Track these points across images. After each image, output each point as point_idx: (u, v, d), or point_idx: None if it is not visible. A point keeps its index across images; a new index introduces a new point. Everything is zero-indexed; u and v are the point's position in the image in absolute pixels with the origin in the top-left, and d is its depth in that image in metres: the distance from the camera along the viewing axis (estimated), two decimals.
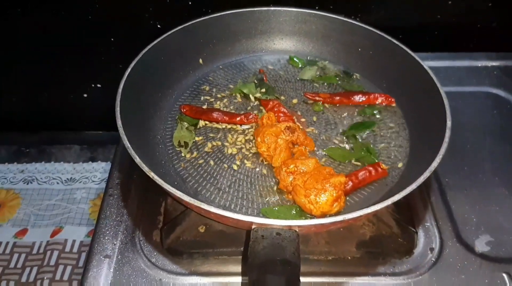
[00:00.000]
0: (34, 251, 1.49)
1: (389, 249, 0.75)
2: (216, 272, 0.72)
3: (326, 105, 0.93)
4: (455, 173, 0.87)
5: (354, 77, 1.00)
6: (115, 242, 0.76)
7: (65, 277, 1.42)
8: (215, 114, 0.89)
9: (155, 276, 0.72)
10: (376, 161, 0.81)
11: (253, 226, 0.60)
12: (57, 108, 1.68)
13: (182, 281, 0.71)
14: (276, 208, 0.73)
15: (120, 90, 0.79)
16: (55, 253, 1.47)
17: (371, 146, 0.84)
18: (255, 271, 0.54)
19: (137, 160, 0.67)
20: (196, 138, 0.86)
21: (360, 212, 0.60)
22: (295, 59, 1.03)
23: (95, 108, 1.49)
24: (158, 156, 0.82)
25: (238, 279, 0.72)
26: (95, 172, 1.75)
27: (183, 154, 0.83)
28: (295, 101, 0.94)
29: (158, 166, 0.79)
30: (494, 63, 1.12)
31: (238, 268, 0.73)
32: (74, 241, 1.51)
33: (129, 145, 0.68)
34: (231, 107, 0.93)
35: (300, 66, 1.02)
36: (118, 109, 0.75)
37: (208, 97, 0.95)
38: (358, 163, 0.81)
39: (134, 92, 0.82)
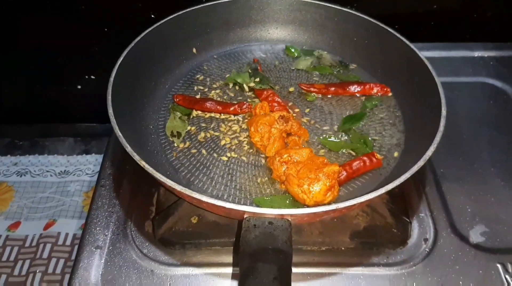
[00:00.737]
0: (27, 244, 1.48)
1: (383, 240, 0.74)
2: (209, 262, 0.71)
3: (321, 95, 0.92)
4: (451, 163, 0.86)
5: (350, 67, 0.99)
6: (107, 233, 0.75)
7: (58, 270, 1.41)
8: (208, 104, 0.88)
9: (146, 267, 0.71)
10: (371, 151, 0.80)
11: (245, 216, 0.59)
12: (51, 100, 1.66)
13: (174, 272, 0.70)
14: (269, 198, 0.72)
15: (111, 79, 0.77)
16: (48, 246, 1.46)
17: (369, 138, 0.83)
18: (246, 259, 0.53)
19: (128, 149, 0.66)
20: (189, 128, 0.85)
21: (353, 200, 0.59)
22: (291, 48, 1.02)
23: (89, 100, 1.47)
24: (151, 146, 0.81)
25: (231, 269, 0.71)
26: (89, 165, 1.73)
27: (175, 144, 0.82)
28: (291, 89, 0.93)
29: (150, 156, 0.79)
30: (491, 54, 1.11)
31: (230, 259, 0.72)
32: (67, 234, 1.50)
33: (120, 134, 0.67)
34: (225, 97, 0.92)
35: (296, 55, 1.01)
36: (109, 97, 0.74)
37: (201, 87, 0.94)
38: (353, 153, 0.81)
39: (127, 81, 0.81)
